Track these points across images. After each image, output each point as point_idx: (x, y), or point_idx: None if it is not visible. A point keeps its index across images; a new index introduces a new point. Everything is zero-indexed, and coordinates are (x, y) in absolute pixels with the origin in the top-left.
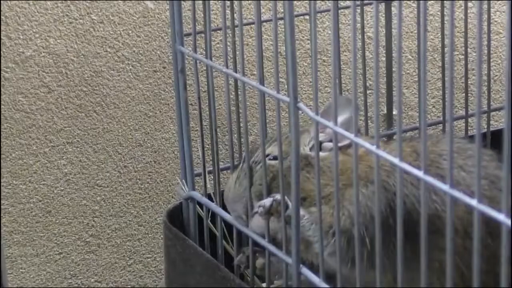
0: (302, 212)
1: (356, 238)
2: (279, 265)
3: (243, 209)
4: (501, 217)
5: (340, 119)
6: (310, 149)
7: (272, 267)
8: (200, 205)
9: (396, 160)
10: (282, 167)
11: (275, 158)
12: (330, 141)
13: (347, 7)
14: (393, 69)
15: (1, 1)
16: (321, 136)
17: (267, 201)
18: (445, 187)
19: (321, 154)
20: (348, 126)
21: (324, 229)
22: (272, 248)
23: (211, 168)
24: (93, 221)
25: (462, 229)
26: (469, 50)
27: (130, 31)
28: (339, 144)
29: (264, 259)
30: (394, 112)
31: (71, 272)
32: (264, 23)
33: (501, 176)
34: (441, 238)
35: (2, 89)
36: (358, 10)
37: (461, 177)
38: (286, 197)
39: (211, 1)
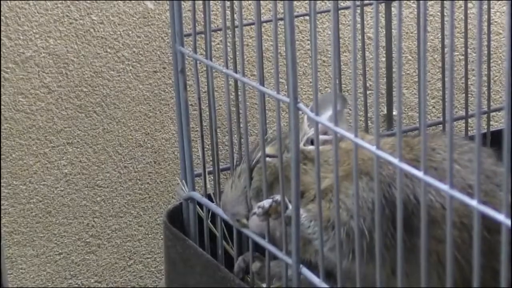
0: (300, 210)
1: (355, 230)
2: (277, 268)
3: (244, 210)
4: (501, 217)
5: (329, 113)
6: (304, 144)
7: (270, 270)
8: (200, 205)
9: (395, 160)
10: (282, 168)
11: (269, 157)
12: (323, 133)
13: (347, 8)
14: (393, 70)
15: (1, 2)
16: (313, 130)
17: (266, 202)
18: (444, 187)
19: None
20: (338, 119)
21: (323, 224)
22: (272, 248)
23: (211, 169)
24: (93, 221)
25: (458, 220)
26: (469, 50)
27: (130, 32)
28: (329, 137)
29: (260, 262)
30: (394, 113)
31: (71, 273)
32: (264, 24)
33: (497, 171)
34: (436, 228)
35: (2, 89)
36: (358, 11)
37: (456, 170)
38: (285, 198)
39: (211, 1)
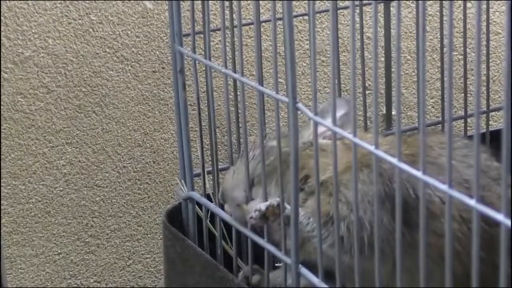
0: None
1: (355, 223)
2: (278, 279)
3: (243, 196)
4: (500, 217)
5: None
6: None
7: (271, 283)
8: (199, 205)
9: (395, 160)
10: (281, 168)
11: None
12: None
13: (346, 8)
14: (392, 69)
15: (1, 2)
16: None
17: (263, 205)
18: (443, 187)
19: (320, 141)
20: (343, 122)
21: (323, 219)
22: (271, 247)
23: (210, 168)
24: (92, 221)
25: (457, 214)
26: (468, 50)
27: (129, 32)
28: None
29: (260, 275)
30: (393, 112)
31: (70, 273)
32: (263, 24)
33: (491, 166)
34: (435, 222)
35: (1, 89)
36: (357, 11)
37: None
38: (282, 200)
39: (210, 1)
